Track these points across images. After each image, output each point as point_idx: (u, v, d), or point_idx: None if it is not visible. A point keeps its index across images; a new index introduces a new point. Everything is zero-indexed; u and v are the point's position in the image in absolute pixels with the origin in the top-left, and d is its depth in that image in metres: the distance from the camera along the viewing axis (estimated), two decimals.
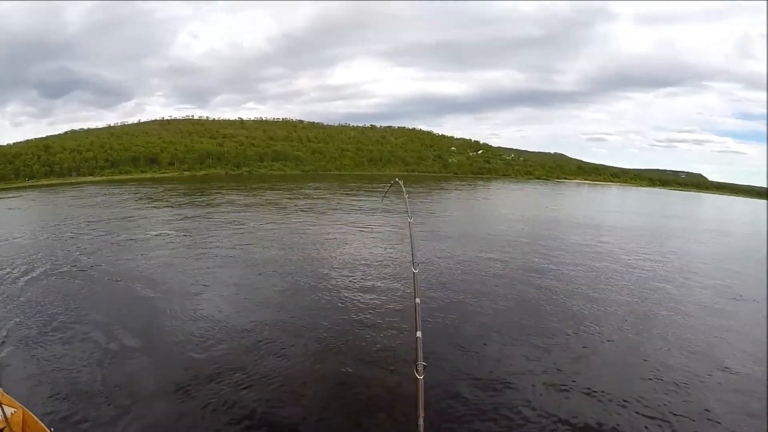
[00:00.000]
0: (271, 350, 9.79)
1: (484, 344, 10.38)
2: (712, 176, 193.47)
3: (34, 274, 15.09)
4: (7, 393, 6.29)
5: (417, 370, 2.94)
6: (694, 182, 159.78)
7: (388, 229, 26.10)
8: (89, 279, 14.79)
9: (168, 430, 7.11)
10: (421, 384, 2.89)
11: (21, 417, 5.71)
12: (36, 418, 5.73)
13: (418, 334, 3.28)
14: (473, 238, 24.06)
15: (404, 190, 7.08)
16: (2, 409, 5.39)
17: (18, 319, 11.18)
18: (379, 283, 14.70)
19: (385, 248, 20.54)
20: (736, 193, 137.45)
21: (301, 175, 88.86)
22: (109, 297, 13.08)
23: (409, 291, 11.72)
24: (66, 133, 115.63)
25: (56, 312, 11.71)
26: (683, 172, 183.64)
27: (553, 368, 9.54)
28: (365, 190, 54.59)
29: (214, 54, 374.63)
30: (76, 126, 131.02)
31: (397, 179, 7.75)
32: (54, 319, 11.30)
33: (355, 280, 15.05)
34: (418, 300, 3.72)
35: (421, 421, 2.68)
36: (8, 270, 15.53)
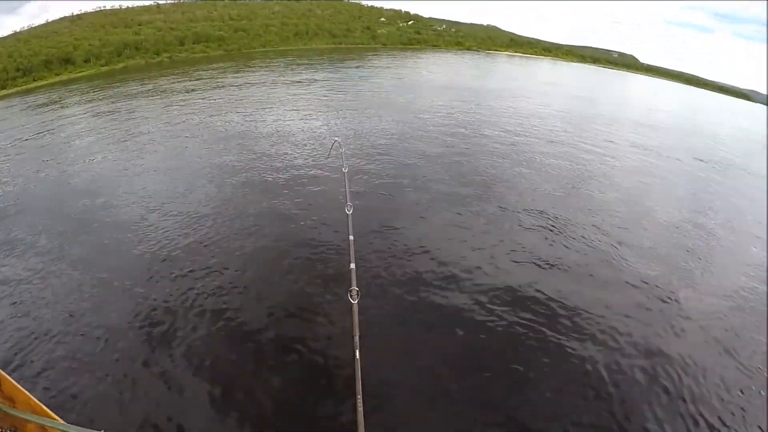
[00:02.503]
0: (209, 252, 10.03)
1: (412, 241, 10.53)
2: (645, 59, 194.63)
3: None
4: None
5: (351, 295, 3.52)
6: (626, 62, 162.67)
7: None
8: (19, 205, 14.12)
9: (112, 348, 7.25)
10: (355, 308, 3.44)
11: None
12: None
13: (352, 265, 3.96)
14: (400, 113, 24.95)
15: (343, 155, 7.32)
16: None
17: None
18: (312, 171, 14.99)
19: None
20: (666, 77, 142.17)
21: (224, 55, 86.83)
22: (52, 214, 12.97)
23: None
24: None
25: None
26: (615, 51, 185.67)
27: (483, 249, 10.40)
28: (293, 66, 55.59)
29: None
30: None
31: (336, 139, 8.04)
32: None
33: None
34: (351, 237, 4.46)
35: (356, 353, 3.15)
36: None
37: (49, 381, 6.72)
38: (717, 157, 24.38)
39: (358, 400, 2.82)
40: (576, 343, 7.54)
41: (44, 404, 4.48)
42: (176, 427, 5.88)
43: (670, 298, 9.18)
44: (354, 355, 3.14)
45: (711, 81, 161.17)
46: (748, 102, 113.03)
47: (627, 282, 9.64)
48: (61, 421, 4.12)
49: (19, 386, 4.86)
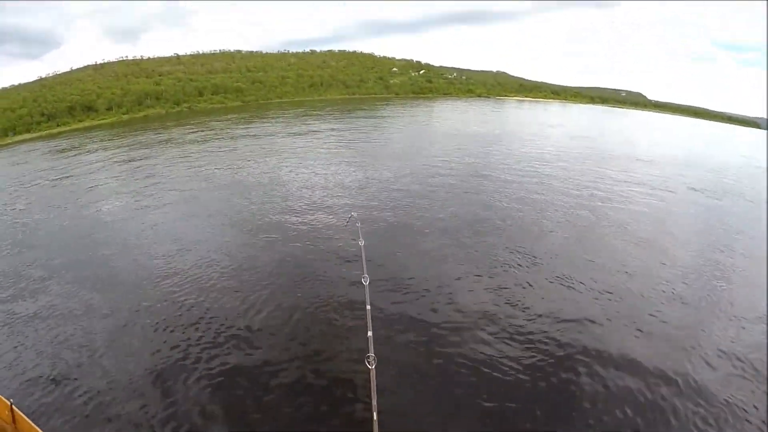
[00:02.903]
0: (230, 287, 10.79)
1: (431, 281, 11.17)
2: (652, 95, 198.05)
3: None
4: None
5: (368, 362, 3.63)
6: (635, 100, 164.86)
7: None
8: (44, 247, 14.70)
9: (132, 382, 7.61)
10: (373, 374, 3.55)
11: None
12: None
13: (369, 333, 4.08)
14: (414, 160, 25.94)
15: (360, 229, 7.58)
16: None
17: None
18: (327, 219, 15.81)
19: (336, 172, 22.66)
20: (675, 112, 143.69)
21: (242, 106, 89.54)
22: (64, 260, 13.29)
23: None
24: None
25: (10, 284, 11.94)
26: (623, 90, 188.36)
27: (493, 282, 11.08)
28: (306, 117, 56.81)
29: None
30: (6, 83, 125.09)
31: (353, 214, 8.19)
32: (10, 288, 11.57)
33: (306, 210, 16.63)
34: (368, 306, 4.60)
35: (375, 415, 3.32)
36: None
37: (64, 420, 6.92)
38: (725, 187, 24.60)
39: None
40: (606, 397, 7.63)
41: None
42: None
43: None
44: (372, 418, 3.28)
45: (719, 112, 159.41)
46: (756, 129, 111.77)
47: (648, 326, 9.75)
48: None
49: (33, 425, 5.04)
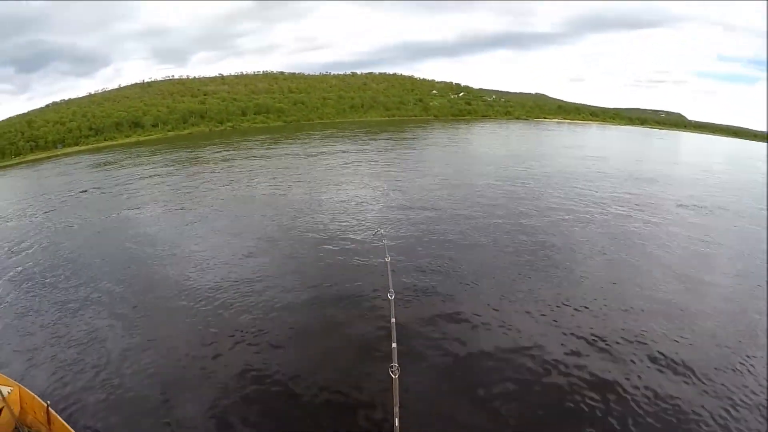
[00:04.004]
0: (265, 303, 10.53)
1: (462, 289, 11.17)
2: (692, 115, 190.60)
3: (28, 250, 15.42)
4: (2, 373, 6.44)
5: (392, 371, 3.70)
6: (674, 121, 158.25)
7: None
8: (86, 249, 15.14)
9: (163, 396, 7.38)
10: (396, 383, 3.62)
11: (18, 395, 5.76)
12: (32, 394, 5.76)
13: (394, 345, 4.15)
14: (450, 186, 24.02)
15: (386, 246, 7.57)
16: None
17: (12, 295, 11.65)
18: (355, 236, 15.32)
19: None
20: (714, 132, 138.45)
21: (283, 126, 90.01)
22: (106, 264, 13.52)
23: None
24: (47, 106, 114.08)
25: (54, 283, 12.22)
26: (663, 111, 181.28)
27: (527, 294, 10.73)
28: (344, 137, 56.10)
29: (186, 12, 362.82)
30: (57, 98, 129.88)
31: (381, 230, 8.86)
32: (52, 291, 11.71)
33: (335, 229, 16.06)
34: (393, 320, 4.63)
35: (396, 422, 3.38)
36: None
37: (98, 421, 6.74)
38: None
39: None
40: None
41: None
42: None
43: None
44: (394, 423, 3.37)
45: (760, 131, 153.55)
46: None
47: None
48: None
49: (68, 426, 5.23)
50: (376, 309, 10.22)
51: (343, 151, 40.47)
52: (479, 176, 27.13)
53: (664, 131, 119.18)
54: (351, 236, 15.42)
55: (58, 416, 5.37)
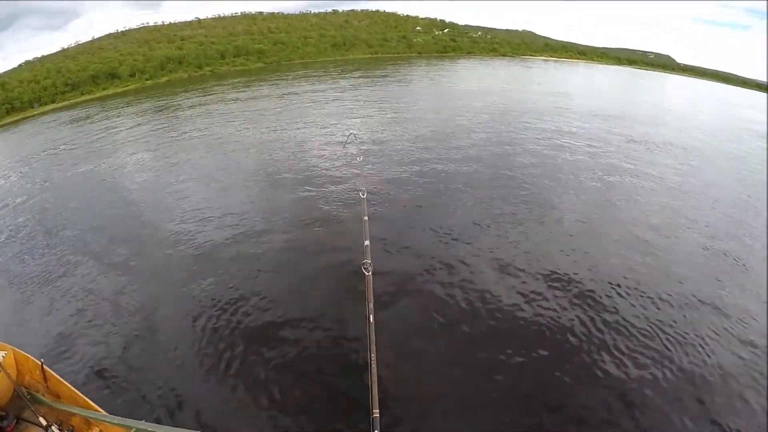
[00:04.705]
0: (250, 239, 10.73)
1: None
2: (682, 59, 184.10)
3: (11, 218, 14.87)
4: None
5: (365, 268, 3.87)
6: (662, 63, 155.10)
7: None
8: (72, 210, 14.71)
9: (153, 351, 7.39)
10: (369, 279, 3.79)
11: (12, 357, 5.77)
12: (26, 355, 5.79)
13: (366, 242, 4.37)
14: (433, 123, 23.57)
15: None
16: None
17: None
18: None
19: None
20: (702, 76, 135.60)
21: (264, 67, 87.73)
22: (91, 224, 13.11)
23: None
24: (20, 65, 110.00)
25: (38, 250, 11.82)
26: (651, 52, 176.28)
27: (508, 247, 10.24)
28: (326, 78, 55.27)
29: None
30: (30, 56, 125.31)
31: (353, 132, 8.55)
32: (36, 257, 11.36)
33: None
34: (366, 218, 4.88)
35: (371, 318, 3.41)
36: None
37: (92, 375, 6.95)
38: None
39: (372, 360, 3.01)
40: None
41: (88, 398, 4.93)
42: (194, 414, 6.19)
43: None
44: (368, 319, 3.36)
45: (749, 79, 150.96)
46: None
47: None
48: (105, 413, 4.56)
49: (64, 381, 5.26)
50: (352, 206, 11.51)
51: (334, 92, 39.56)
52: (437, 111, 27.23)
53: (650, 72, 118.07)
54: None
55: (54, 373, 5.42)
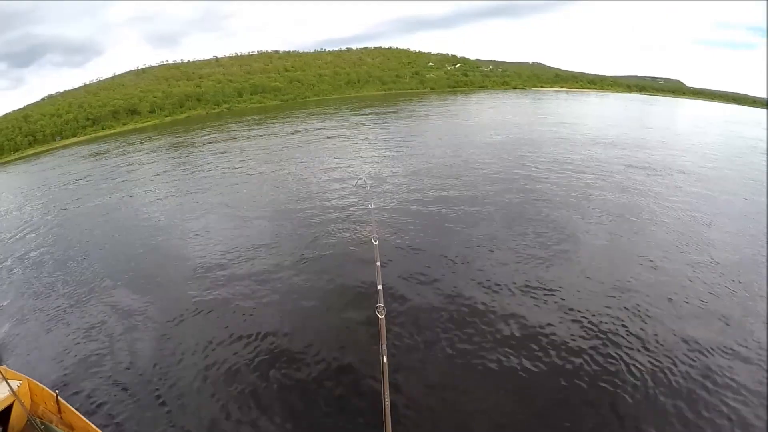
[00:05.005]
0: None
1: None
2: (691, 82, 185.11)
3: (29, 247, 15.02)
4: (10, 367, 6.51)
5: (378, 312, 3.89)
6: (672, 88, 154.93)
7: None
8: (89, 242, 14.77)
9: (166, 374, 7.40)
10: (382, 322, 3.79)
11: (27, 387, 5.80)
12: (41, 386, 5.80)
13: (379, 287, 4.36)
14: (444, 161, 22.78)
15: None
16: (8, 384, 5.65)
17: (15, 291, 11.46)
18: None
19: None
20: (712, 99, 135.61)
21: (280, 105, 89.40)
22: (109, 256, 13.19)
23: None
24: (43, 99, 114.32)
25: (55, 280, 11.83)
26: (661, 78, 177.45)
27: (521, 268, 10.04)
28: (339, 115, 55.23)
29: None
30: (52, 91, 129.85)
31: (362, 177, 8.65)
32: (53, 288, 11.38)
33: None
34: (378, 263, 4.97)
35: (384, 359, 3.42)
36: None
37: (106, 407, 6.77)
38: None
39: (386, 400, 3.06)
40: None
41: (102, 431, 4.96)
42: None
43: None
44: (381, 361, 3.37)
45: (759, 98, 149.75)
46: None
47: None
48: None
49: (77, 413, 5.26)
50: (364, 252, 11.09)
51: (348, 128, 39.66)
52: (450, 148, 26.34)
53: (661, 98, 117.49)
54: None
55: (68, 404, 5.45)
